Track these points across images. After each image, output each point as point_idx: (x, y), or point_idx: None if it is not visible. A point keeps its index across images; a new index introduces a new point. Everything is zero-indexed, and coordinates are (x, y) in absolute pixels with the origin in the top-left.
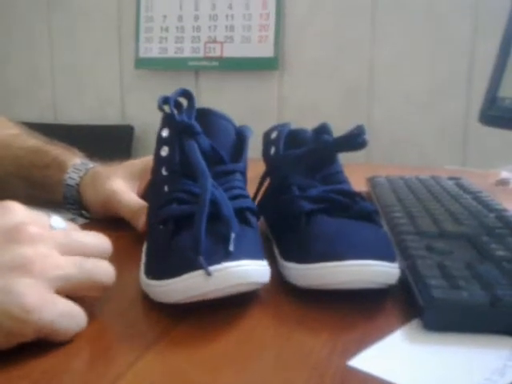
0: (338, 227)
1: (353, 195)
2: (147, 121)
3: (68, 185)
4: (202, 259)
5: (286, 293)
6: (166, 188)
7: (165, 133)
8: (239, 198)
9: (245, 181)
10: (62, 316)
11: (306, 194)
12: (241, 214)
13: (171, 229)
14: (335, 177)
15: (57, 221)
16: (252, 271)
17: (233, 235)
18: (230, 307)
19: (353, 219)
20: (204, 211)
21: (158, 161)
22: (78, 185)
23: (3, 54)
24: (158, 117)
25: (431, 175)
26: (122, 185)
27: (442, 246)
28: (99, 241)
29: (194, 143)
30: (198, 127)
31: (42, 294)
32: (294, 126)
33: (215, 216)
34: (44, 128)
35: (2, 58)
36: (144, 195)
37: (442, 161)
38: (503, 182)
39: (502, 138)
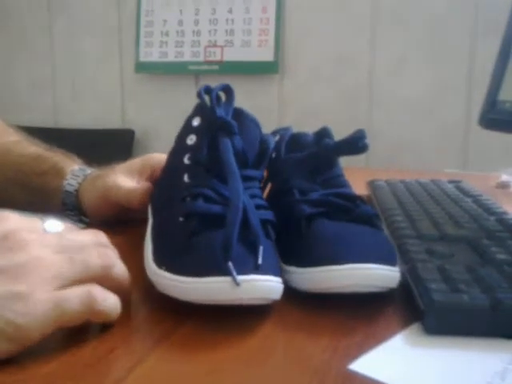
0: (339, 231)
1: (353, 199)
2: (148, 125)
3: (67, 191)
4: (231, 266)
5: (287, 297)
6: (185, 178)
7: (196, 122)
8: (261, 209)
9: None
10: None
11: (307, 197)
12: (263, 225)
13: (194, 225)
14: (336, 180)
15: (51, 224)
16: (275, 288)
17: (261, 248)
18: (230, 311)
19: (353, 223)
20: (238, 216)
21: (182, 148)
22: (76, 191)
23: (4, 59)
24: (158, 121)
25: (431, 179)
26: (123, 178)
27: (442, 250)
28: (94, 237)
29: (228, 142)
30: (235, 127)
31: (40, 297)
32: (294, 129)
33: (242, 223)
34: (44, 132)
35: (4, 63)
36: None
37: (443, 164)
38: (503, 185)
39: (503, 141)
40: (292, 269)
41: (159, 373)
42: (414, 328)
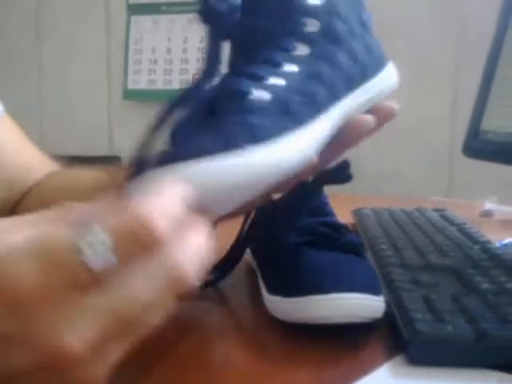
0: (324, 260)
1: (339, 228)
2: None
3: None
4: None
5: (271, 327)
6: None
7: None
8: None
9: None
10: None
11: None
12: None
13: None
14: (321, 209)
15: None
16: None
17: None
18: (213, 341)
19: (339, 252)
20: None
21: None
22: None
23: None
24: None
25: (416, 207)
26: None
27: (427, 279)
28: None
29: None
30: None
31: None
32: None
33: None
34: None
35: None
36: None
37: (428, 191)
38: (487, 214)
39: (486, 170)
40: (276, 298)
41: None
42: (399, 359)
